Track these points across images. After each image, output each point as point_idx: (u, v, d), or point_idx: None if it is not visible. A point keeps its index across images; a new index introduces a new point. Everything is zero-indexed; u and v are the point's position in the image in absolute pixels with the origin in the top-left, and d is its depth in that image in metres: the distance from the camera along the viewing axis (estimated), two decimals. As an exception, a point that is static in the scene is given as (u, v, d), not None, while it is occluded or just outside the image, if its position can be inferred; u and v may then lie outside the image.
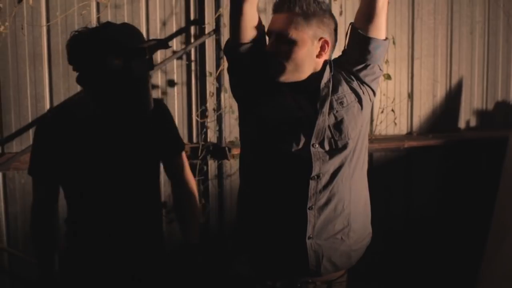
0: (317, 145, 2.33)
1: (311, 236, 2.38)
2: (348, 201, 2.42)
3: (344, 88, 2.38)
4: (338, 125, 2.36)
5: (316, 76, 2.36)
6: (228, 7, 2.36)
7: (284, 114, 2.33)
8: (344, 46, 2.47)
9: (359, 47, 2.37)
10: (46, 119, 2.52)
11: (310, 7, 2.30)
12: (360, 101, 2.40)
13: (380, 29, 2.37)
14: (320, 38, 2.32)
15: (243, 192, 2.53)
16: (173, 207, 2.71)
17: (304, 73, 2.34)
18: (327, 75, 2.36)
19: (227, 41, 2.36)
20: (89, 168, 2.40)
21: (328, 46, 2.34)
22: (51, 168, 2.42)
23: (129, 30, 2.35)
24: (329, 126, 2.34)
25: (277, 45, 2.28)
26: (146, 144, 2.50)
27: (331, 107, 2.34)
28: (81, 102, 2.46)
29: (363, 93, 2.41)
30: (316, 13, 2.30)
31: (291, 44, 2.28)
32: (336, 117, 2.35)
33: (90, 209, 2.45)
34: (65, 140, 2.37)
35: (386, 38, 2.41)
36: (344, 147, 2.37)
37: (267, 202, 2.40)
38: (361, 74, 2.39)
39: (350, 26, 2.43)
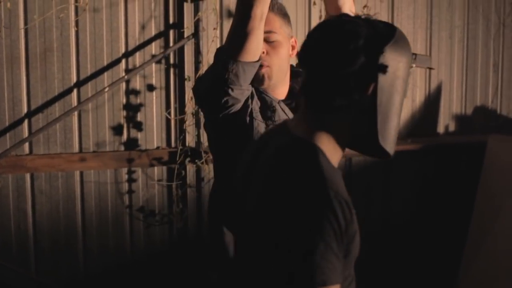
0: None
1: None
2: None
3: None
4: None
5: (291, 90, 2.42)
6: (207, 11, 2.30)
7: None
8: None
9: None
10: (336, 198, 1.50)
11: (282, 7, 2.35)
12: None
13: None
14: (291, 37, 2.37)
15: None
16: None
17: (285, 78, 2.36)
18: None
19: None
20: None
21: (296, 45, 2.37)
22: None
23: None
24: None
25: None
26: None
27: None
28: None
29: None
30: (286, 13, 2.36)
31: (277, 44, 2.28)
32: None
33: None
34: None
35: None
36: None
37: None
38: None
39: None
